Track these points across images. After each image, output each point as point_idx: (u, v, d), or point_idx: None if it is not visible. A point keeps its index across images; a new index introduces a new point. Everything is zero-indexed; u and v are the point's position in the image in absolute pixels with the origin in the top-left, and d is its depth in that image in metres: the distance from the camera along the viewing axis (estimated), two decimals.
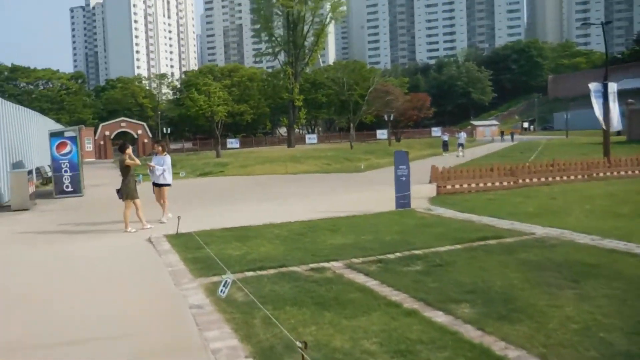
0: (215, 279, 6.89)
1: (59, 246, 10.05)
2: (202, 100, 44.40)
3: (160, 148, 12.60)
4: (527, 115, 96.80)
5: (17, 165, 20.31)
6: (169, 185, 12.40)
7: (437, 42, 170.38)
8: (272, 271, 7.11)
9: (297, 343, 3.82)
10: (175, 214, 12.13)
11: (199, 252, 8.59)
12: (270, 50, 56.85)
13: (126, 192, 11.26)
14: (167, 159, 12.33)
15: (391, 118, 52.23)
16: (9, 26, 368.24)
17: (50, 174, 22.76)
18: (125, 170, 11.30)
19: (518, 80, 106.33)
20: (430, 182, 16.25)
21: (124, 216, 11.32)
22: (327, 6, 55.99)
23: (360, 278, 6.61)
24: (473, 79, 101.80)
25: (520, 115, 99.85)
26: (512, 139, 59.46)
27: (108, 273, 7.74)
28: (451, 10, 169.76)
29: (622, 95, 27.49)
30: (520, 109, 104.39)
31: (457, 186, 14.77)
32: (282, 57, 59.00)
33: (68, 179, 19.54)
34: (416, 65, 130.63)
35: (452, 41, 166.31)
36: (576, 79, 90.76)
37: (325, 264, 7.36)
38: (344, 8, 56.04)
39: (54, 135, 20.02)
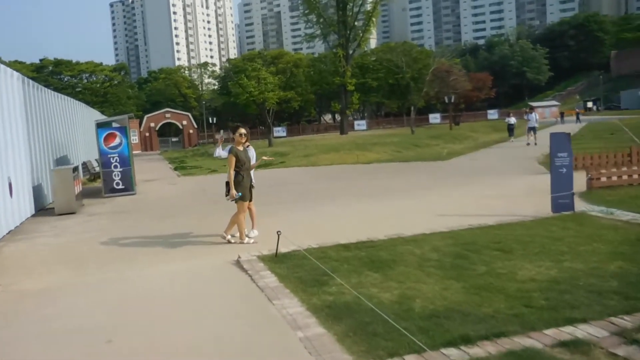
0: None
1: (113, 274, 7.24)
2: (252, 86, 41.49)
3: (240, 136, 8.52)
4: (588, 95, 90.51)
5: (61, 161, 17.88)
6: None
7: (483, 22, 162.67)
8: (489, 347, 4.06)
9: None
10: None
11: (325, 291, 5.69)
12: (319, 32, 53.49)
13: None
14: (253, 151, 8.94)
15: (452, 100, 48.30)
16: (52, 23, 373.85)
17: (97, 168, 20.32)
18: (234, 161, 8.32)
19: (576, 58, 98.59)
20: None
21: (238, 222, 8.54)
22: None
23: None
24: (527, 58, 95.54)
25: (581, 95, 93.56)
26: (578, 120, 54.43)
27: (192, 339, 4.84)
28: None
29: None
30: (580, 88, 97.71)
31: (614, 178, 11.40)
32: (330, 40, 55.57)
33: (118, 175, 16.93)
34: (461, 47, 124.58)
35: (499, 19, 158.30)
36: None
37: (574, 330, 4.26)
38: None
39: (101, 125, 17.43)
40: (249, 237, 8.61)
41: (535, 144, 26.89)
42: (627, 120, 48.99)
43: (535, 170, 16.33)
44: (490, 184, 13.93)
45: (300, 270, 6.54)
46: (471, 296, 5.25)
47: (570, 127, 44.95)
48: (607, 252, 6.50)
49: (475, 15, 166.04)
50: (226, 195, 8.48)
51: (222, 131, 10.22)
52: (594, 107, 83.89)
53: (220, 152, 8.97)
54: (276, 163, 25.29)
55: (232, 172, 8.22)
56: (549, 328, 4.32)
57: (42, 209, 14.47)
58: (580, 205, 9.68)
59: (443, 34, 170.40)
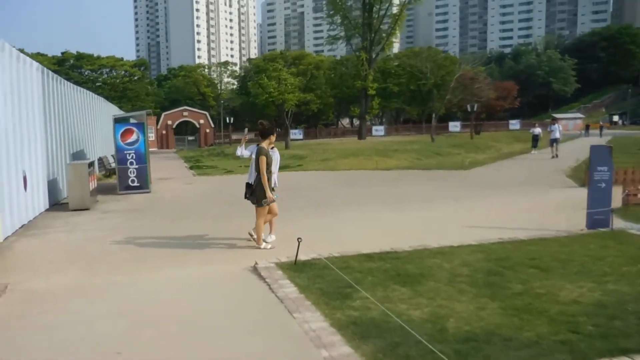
0: None
1: (123, 277, 6.88)
2: (272, 86, 41.09)
3: (274, 136, 8.20)
4: (615, 108, 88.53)
5: (77, 155, 17.66)
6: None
7: (511, 30, 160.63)
8: None
9: None
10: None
11: (349, 305, 5.29)
12: (342, 34, 52.89)
13: (260, 195, 7.85)
14: (277, 154, 8.56)
15: (475, 109, 47.49)
16: (76, 16, 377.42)
17: (113, 165, 20.09)
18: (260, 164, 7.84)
19: (605, 70, 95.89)
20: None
21: (257, 227, 8.12)
22: None
23: None
24: (555, 69, 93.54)
25: (607, 108, 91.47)
26: (601, 134, 53.03)
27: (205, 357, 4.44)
28: None
29: None
30: (607, 101, 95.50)
31: None
32: (353, 42, 55.00)
33: (134, 172, 16.64)
34: (486, 54, 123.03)
35: (527, 28, 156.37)
36: None
37: None
38: None
39: (118, 121, 17.14)
40: (266, 242, 8.22)
41: (557, 155, 26.45)
42: None
43: (563, 184, 15.79)
44: (517, 196, 13.43)
45: (321, 281, 6.13)
46: (510, 318, 4.80)
47: (595, 140, 43.98)
48: None
49: (503, 22, 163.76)
50: (246, 197, 8.16)
51: (246, 130, 10.02)
52: (620, 121, 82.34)
53: (243, 151, 8.55)
54: (294, 166, 24.95)
55: (265, 174, 7.78)
56: (602, 358, 3.87)
57: (56, 204, 14.21)
58: (617, 222, 9.13)
59: (468, 40, 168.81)
